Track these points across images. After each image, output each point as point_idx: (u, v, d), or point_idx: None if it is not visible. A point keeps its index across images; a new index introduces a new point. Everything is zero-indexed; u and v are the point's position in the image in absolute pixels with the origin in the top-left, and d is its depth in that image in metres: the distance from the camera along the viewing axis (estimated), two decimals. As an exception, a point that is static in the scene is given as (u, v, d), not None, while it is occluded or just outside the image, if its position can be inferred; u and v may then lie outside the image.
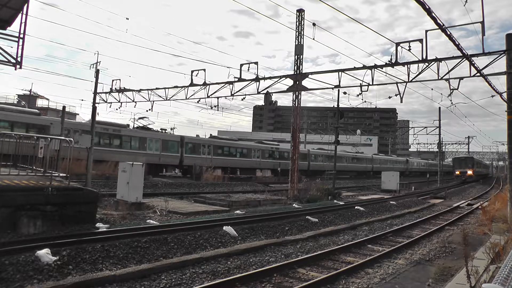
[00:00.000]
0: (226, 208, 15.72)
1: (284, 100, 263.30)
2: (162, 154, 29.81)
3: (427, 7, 6.84)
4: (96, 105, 21.90)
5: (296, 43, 21.46)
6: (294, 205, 17.71)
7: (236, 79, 20.71)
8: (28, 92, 47.62)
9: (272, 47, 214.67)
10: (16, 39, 11.65)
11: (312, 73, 20.57)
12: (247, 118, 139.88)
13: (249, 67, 20.00)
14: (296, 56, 21.40)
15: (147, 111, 25.82)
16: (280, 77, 20.60)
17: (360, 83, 17.85)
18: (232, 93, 21.20)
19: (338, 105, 26.59)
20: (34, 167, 11.71)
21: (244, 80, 20.63)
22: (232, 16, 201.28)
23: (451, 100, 19.56)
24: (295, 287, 6.68)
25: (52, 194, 9.04)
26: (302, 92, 21.85)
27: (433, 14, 7.40)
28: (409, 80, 16.23)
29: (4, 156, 11.65)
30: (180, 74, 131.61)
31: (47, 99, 50.71)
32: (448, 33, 9.83)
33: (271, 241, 10.03)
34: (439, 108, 41.83)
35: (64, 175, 10.80)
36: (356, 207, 17.64)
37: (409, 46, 15.35)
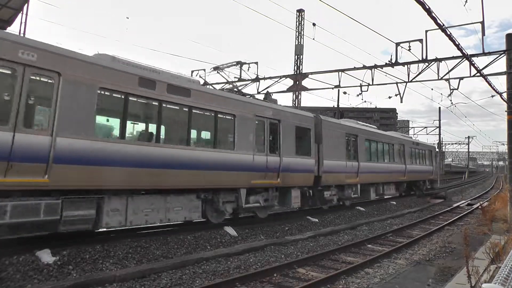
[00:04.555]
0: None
1: (284, 100, 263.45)
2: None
3: (427, 7, 6.82)
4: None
5: (296, 43, 21.47)
6: (294, 205, 17.67)
7: (236, 79, 20.70)
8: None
9: (271, 47, 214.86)
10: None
11: (312, 73, 20.54)
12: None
13: (249, 67, 19.99)
14: (296, 56, 21.41)
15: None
16: (280, 77, 20.58)
17: (360, 83, 17.85)
18: (232, 93, 21.20)
19: (338, 105, 26.61)
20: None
21: (244, 80, 20.62)
22: (230, 15, 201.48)
23: (451, 100, 19.72)
24: (295, 287, 6.68)
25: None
26: (303, 92, 21.87)
27: (433, 14, 7.39)
28: (409, 80, 16.23)
29: None
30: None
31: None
32: (448, 33, 9.81)
33: (271, 241, 10.03)
34: (439, 108, 41.75)
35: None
36: (356, 207, 17.63)
37: (409, 46, 15.35)
